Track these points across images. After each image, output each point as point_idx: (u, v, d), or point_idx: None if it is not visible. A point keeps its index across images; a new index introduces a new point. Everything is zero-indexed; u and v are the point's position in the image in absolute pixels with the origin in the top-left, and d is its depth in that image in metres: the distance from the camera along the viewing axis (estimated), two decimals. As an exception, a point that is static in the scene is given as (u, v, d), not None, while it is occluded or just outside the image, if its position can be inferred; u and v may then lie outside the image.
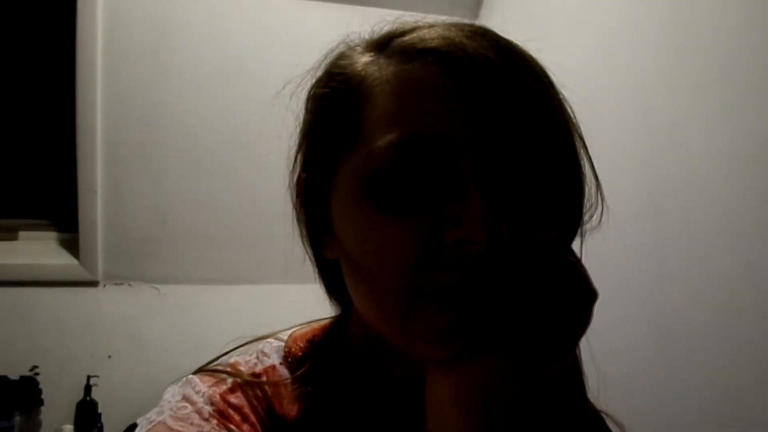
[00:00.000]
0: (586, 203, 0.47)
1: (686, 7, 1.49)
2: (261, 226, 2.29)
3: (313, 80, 0.49)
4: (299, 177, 0.50)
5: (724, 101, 1.37)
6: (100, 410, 2.19)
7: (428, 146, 0.40)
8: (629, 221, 1.63)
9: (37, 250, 2.38)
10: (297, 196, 0.50)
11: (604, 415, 0.55)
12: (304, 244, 0.51)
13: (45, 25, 2.37)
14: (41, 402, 2.17)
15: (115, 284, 2.37)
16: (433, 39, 0.43)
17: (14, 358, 2.17)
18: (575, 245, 0.48)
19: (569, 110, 0.46)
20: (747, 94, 1.31)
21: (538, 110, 0.42)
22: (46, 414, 2.19)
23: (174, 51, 2.33)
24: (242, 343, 0.54)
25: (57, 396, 2.19)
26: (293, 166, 0.50)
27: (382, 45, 0.46)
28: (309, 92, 0.49)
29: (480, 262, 0.39)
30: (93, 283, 2.34)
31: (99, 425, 2.17)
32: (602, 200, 0.48)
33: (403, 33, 0.45)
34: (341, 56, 0.48)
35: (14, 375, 2.14)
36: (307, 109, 0.49)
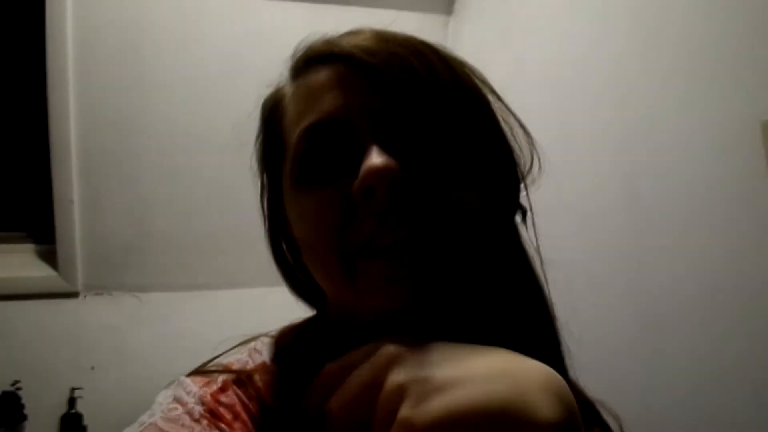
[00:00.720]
0: (519, 152, 0.52)
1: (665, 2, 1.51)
2: (241, 229, 2.28)
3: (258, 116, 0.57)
4: (263, 196, 0.57)
5: (695, 87, 1.39)
6: (85, 422, 2.17)
7: (329, 129, 0.47)
8: (607, 208, 1.65)
9: (15, 262, 2.35)
10: (263, 211, 0.57)
11: (598, 405, 0.55)
12: (271, 254, 0.57)
13: (14, 35, 2.34)
14: (24, 417, 2.14)
15: (96, 294, 2.35)
16: (315, 47, 0.51)
17: (-5, 373, 2.14)
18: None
19: (465, 69, 0.51)
20: (717, 79, 1.33)
21: (412, 70, 0.46)
22: (30, 429, 2.16)
23: (146, 57, 2.31)
24: (236, 343, 0.56)
25: (41, 410, 2.16)
26: (260, 189, 0.57)
27: (290, 69, 0.54)
28: (257, 128, 0.57)
29: (389, 204, 0.43)
30: (73, 294, 2.31)
31: (84, 438, 2.14)
32: (535, 149, 0.53)
33: (298, 53, 0.53)
34: (271, 91, 0.56)
35: (-5, 391, 2.11)
36: (256, 141, 0.57)
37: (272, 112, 0.54)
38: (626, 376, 1.54)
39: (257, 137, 0.57)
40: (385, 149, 0.44)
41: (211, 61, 2.34)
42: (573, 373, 0.52)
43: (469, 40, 2.35)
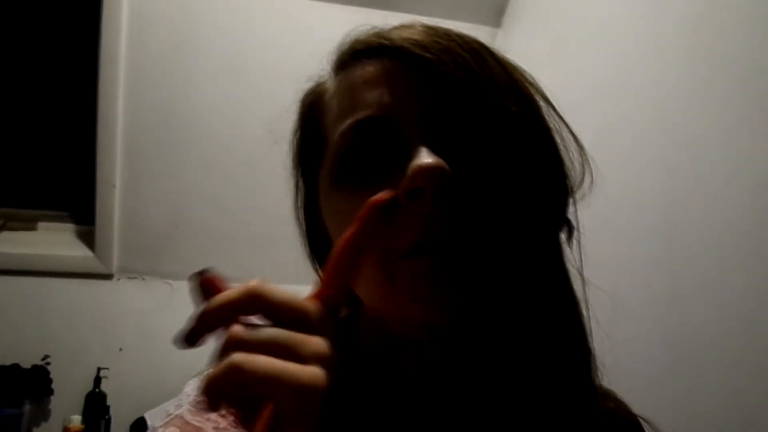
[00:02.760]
0: (571, 167, 0.49)
1: (710, 19, 1.48)
2: (276, 226, 2.28)
3: (295, 113, 0.55)
4: (298, 197, 0.54)
5: (746, 116, 1.36)
6: (108, 402, 2.21)
7: (375, 126, 0.45)
8: (646, 235, 1.62)
9: (54, 241, 2.41)
10: (299, 214, 0.55)
11: (643, 422, 0.54)
12: (308, 258, 0.55)
13: (69, 20, 2.40)
14: (51, 391, 2.19)
15: (129, 278, 2.39)
16: (362, 41, 0.49)
17: (26, 346, 2.20)
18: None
19: (518, 74, 0.48)
20: (764, 107, 1.30)
21: (467, 70, 0.44)
22: (56, 404, 2.21)
23: (197, 48, 2.35)
24: None
25: (67, 386, 2.21)
26: (294, 189, 0.55)
27: (333, 62, 0.51)
28: (293, 124, 0.55)
29: (437, 209, 0.41)
30: (107, 276, 2.37)
31: (107, 417, 2.18)
32: (587, 163, 0.50)
33: (343, 45, 0.50)
34: (310, 84, 0.53)
35: (26, 363, 2.16)
36: (292, 139, 0.55)
37: (312, 107, 0.52)
38: (653, 410, 1.51)
39: (294, 133, 0.54)
40: (433, 149, 0.42)
41: (259, 58, 2.37)
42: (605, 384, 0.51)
43: (515, 55, 2.34)
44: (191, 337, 0.33)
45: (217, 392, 0.30)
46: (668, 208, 1.56)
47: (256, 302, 0.33)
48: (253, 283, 0.34)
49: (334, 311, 0.36)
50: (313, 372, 0.31)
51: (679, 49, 1.58)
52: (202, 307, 0.33)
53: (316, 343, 0.33)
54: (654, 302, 1.58)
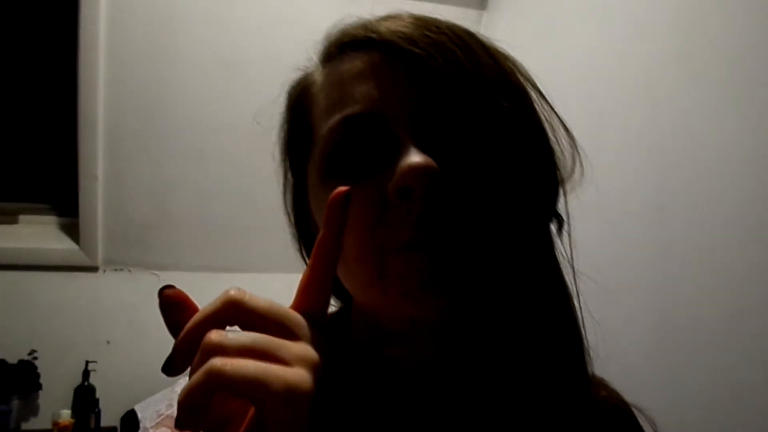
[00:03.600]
0: (561, 157, 0.49)
1: (704, 9, 1.48)
2: (261, 214, 2.28)
3: (283, 102, 0.54)
4: (286, 185, 0.54)
5: (732, 95, 1.36)
6: (97, 395, 2.20)
7: (363, 122, 0.44)
8: (635, 215, 1.63)
9: (38, 234, 2.38)
10: (287, 202, 0.54)
11: (635, 410, 0.54)
12: (296, 248, 0.55)
13: (48, 10, 2.36)
14: (39, 386, 2.18)
15: (115, 270, 2.37)
16: (349, 33, 0.48)
17: (13, 342, 2.18)
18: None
19: (509, 65, 0.48)
20: (754, 87, 1.30)
21: (456, 64, 0.43)
22: (44, 398, 2.20)
23: (177, 38, 2.32)
24: None
25: (55, 381, 2.19)
26: (282, 178, 0.54)
27: (321, 53, 0.50)
28: (281, 113, 0.54)
29: (428, 208, 0.41)
30: (93, 269, 2.35)
31: (96, 410, 2.18)
32: (578, 153, 0.50)
33: (331, 36, 0.50)
34: (297, 76, 0.52)
35: (12, 359, 2.15)
36: (280, 128, 0.54)
37: (300, 99, 0.51)
38: (643, 390, 1.52)
39: (282, 125, 0.54)
40: (423, 147, 0.42)
41: (242, 46, 2.35)
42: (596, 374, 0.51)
43: (501, 37, 2.31)
44: (176, 365, 0.32)
45: (194, 402, 0.29)
46: (657, 189, 1.57)
47: (236, 311, 0.32)
48: (231, 292, 0.33)
49: (316, 319, 0.36)
50: (298, 373, 0.30)
51: (667, 30, 1.58)
52: (182, 330, 0.32)
53: (299, 346, 0.32)
54: (642, 282, 1.59)
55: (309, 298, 0.36)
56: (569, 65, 1.95)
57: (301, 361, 0.31)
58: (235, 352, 0.30)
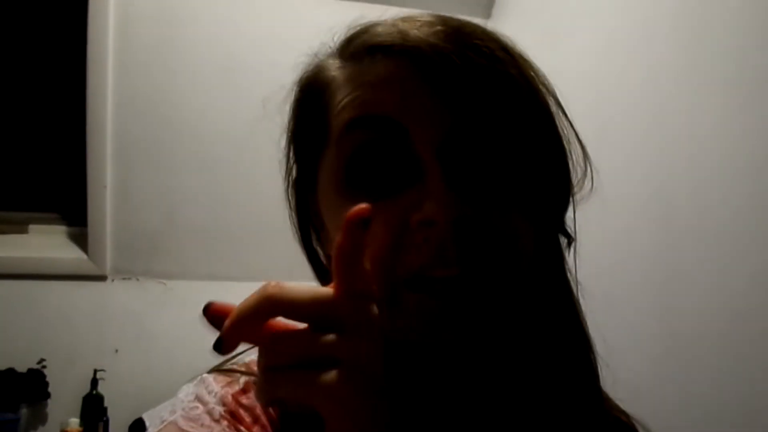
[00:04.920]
0: (574, 171, 0.48)
1: (697, 4, 1.48)
2: (268, 223, 2.28)
3: (293, 92, 0.52)
4: (290, 178, 0.53)
5: (736, 99, 1.36)
6: (106, 404, 2.20)
7: (379, 127, 0.42)
8: (639, 220, 1.62)
9: (47, 243, 2.39)
10: (290, 198, 0.53)
11: (634, 421, 0.54)
12: (299, 243, 0.54)
13: (56, 21, 2.38)
14: (48, 395, 2.18)
15: (123, 279, 2.38)
16: (381, 35, 0.45)
17: (22, 350, 2.19)
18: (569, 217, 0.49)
19: (539, 84, 0.46)
20: (758, 91, 1.30)
21: (491, 88, 0.42)
22: (53, 407, 2.20)
23: (184, 49, 2.33)
24: None
25: (63, 389, 2.20)
26: (285, 170, 0.53)
27: (343, 49, 0.48)
28: (290, 103, 0.52)
29: (449, 245, 0.40)
30: (101, 278, 2.35)
31: (105, 419, 2.18)
32: (590, 167, 0.49)
33: (359, 34, 0.47)
34: (311, 67, 0.51)
35: (21, 368, 2.15)
36: (289, 118, 0.52)
37: (316, 93, 0.48)
38: (649, 398, 1.51)
39: (292, 117, 0.52)
40: (449, 173, 0.41)
41: (247, 56, 2.36)
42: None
43: (506, 45, 2.33)
44: (222, 348, 0.34)
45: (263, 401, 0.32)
46: (661, 193, 1.56)
47: (274, 306, 0.33)
48: (268, 286, 0.33)
49: (363, 294, 0.34)
50: (345, 378, 0.31)
51: (670, 35, 1.58)
52: (226, 323, 0.33)
53: (349, 344, 0.32)
54: (646, 288, 1.58)
55: (348, 278, 0.35)
56: (574, 72, 1.95)
57: (358, 358, 0.31)
58: (286, 359, 0.32)
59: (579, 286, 0.50)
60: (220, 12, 2.36)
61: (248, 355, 0.53)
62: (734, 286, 1.33)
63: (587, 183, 0.49)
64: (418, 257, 0.41)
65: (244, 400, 0.47)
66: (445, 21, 0.45)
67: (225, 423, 0.45)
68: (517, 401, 0.48)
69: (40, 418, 2.20)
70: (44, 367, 2.19)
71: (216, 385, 0.48)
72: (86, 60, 2.23)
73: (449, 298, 0.41)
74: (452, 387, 0.48)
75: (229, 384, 0.49)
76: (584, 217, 0.51)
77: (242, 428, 0.46)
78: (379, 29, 0.46)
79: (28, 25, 2.40)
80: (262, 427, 0.46)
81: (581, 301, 0.50)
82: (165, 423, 0.46)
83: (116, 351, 2.31)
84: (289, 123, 0.52)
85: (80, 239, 2.39)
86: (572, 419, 0.47)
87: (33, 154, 2.47)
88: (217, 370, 0.51)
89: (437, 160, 0.41)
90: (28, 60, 2.42)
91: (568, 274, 0.50)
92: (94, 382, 2.21)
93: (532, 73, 0.46)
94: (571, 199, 0.48)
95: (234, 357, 0.53)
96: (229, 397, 0.47)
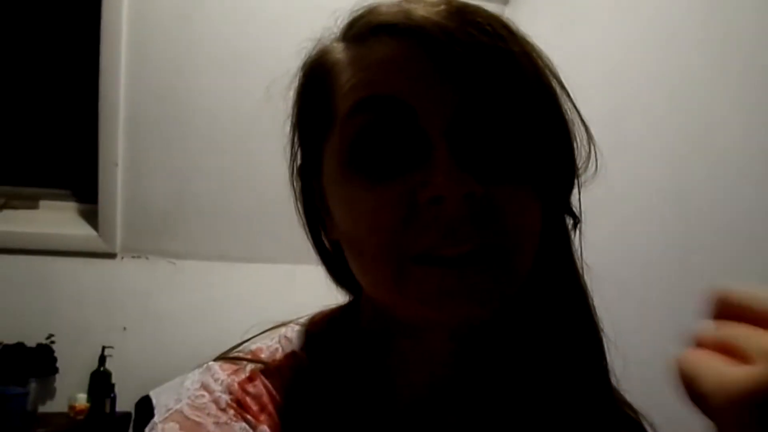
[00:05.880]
0: (578, 153, 0.47)
1: (725, 3, 1.45)
2: (277, 205, 2.26)
3: (297, 76, 0.51)
4: (294, 163, 0.52)
5: (753, 87, 1.34)
6: (113, 381, 2.22)
7: (386, 107, 0.42)
8: (656, 218, 1.61)
9: (57, 219, 2.41)
10: (295, 184, 0.52)
11: (642, 417, 0.54)
12: (304, 228, 0.53)
13: (71, 1, 2.38)
14: (56, 370, 2.21)
15: (133, 257, 2.39)
16: (384, 15, 0.45)
17: (31, 325, 2.21)
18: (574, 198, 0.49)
19: (542, 63, 0.46)
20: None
21: (496, 66, 0.42)
22: (61, 382, 2.23)
23: (198, 29, 2.32)
24: (266, 328, 0.54)
25: (72, 365, 2.22)
26: (290, 154, 0.52)
27: (347, 32, 0.48)
28: (295, 87, 0.51)
29: (459, 216, 0.40)
30: (111, 255, 2.37)
31: (112, 395, 2.20)
32: (594, 149, 0.48)
33: (362, 16, 0.47)
34: (315, 51, 0.50)
35: (31, 342, 2.18)
36: (293, 103, 0.52)
37: (321, 75, 0.48)
38: (659, 388, 1.50)
39: (296, 100, 0.51)
40: (456, 151, 0.41)
41: (258, 38, 2.34)
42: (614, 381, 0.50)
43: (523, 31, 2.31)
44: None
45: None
46: (680, 191, 1.55)
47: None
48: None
49: None
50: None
51: (691, 27, 1.56)
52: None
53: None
54: (661, 280, 1.57)
55: None
56: (591, 59, 1.93)
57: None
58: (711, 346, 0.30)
59: (588, 270, 0.50)
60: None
61: (254, 342, 0.52)
62: (748, 271, 1.31)
63: (591, 165, 0.49)
64: (427, 236, 0.40)
65: (250, 388, 0.47)
66: (448, 1, 0.44)
67: (232, 412, 0.45)
68: (523, 390, 0.47)
69: (49, 392, 2.22)
70: (53, 342, 2.21)
71: (222, 373, 0.48)
72: (100, 37, 2.23)
73: (455, 269, 0.40)
74: (458, 371, 0.48)
75: (235, 372, 0.48)
76: (597, 203, 0.50)
77: (249, 417, 0.45)
78: (383, 9, 0.45)
79: (42, 4, 2.39)
80: (269, 415, 0.46)
81: (590, 284, 0.50)
82: (171, 411, 0.46)
83: (124, 328, 2.32)
84: (293, 109, 0.52)
85: (91, 216, 2.41)
86: (581, 412, 0.46)
87: (45, 130, 2.48)
88: (223, 358, 0.51)
89: (445, 139, 0.41)
90: (41, 37, 2.42)
91: (575, 255, 0.49)
92: (102, 358, 2.23)
93: (534, 53, 0.45)
94: (576, 180, 0.48)
95: (240, 345, 0.52)
96: (236, 386, 0.47)
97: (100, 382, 2.20)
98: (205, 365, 0.50)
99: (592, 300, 0.49)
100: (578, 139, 0.47)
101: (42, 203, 2.44)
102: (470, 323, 0.44)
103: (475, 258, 0.40)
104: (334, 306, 0.55)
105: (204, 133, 2.38)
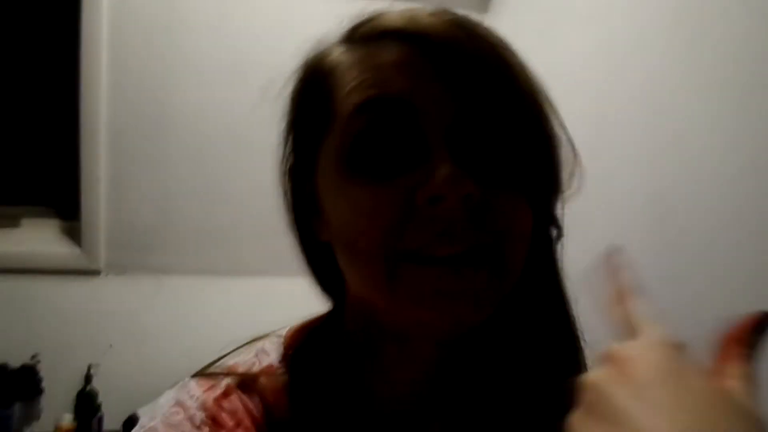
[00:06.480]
0: (563, 168, 0.49)
1: (693, 5, 1.48)
2: (262, 218, 2.26)
3: (294, 78, 0.52)
4: (286, 164, 0.52)
5: (734, 97, 1.35)
6: (100, 400, 2.19)
7: (390, 108, 0.43)
8: (632, 222, 1.62)
9: (39, 237, 2.38)
10: (285, 184, 0.53)
11: None
12: (291, 231, 0.53)
13: (50, 12, 2.36)
14: (41, 391, 2.17)
15: (117, 274, 2.37)
16: (390, 20, 0.46)
17: (15, 346, 2.17)
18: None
19: (531, 75, 0.48)
20: (753, 95, 1.30)
21: (495, 76, 0.44)
22: (46, 403, 2.19)
23: (179, 42, 2.31)
24: (243, 343, 0.54)
25: (57, 385, 2.19)
26: (282, 157, 0.53)
27: (350, 35, 0.49)
28: (291, 89, 0.52)
29: (457, 221, 0.41)
30: (95, 272, 2.34)
31: (99, 415, 2.17)
32: (578, 164, 0.50)
33: (366, 21, 0.48)
34: (315, 53, 0.51)
35: (14, 363, 2.14)
36: (289, 104, 0.52)
37: (321, 76, 0.48)
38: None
39: (293, 101, 0.52)
40: (455, 154, 0.42)
41: (242, 51, 2.34)
42: None
43: (502, 40, 2.33)
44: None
45: None
46: (656, 195, 1.56)
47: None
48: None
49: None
50: None
51: (667, 33, 1.58)
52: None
53: None
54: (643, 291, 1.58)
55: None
56: (570, 68, 1.95)
57: None
58: None
59: (569, 282, 0.51)
60: (217, 4, 2.34)
61: (231, 358, 0.52)
62: (730, 287, 1.32)
63: (576, 181, 0.50)
64: (422, 235, 0.41)
65: (225, 404, 0.47)
66: (449, 11, 0.46)
67: (207, 429, 0.45)
68: (504, 397, 0.48)
69: (34, 413, 2.19)
70: (37, 362, 2.18)
71: (198, 389, 0.48)
72: (80, 52, 2.21)
73: (449, 269, 0.41)
74: (433, 376, 0.48)
75: (210, 388, 0.48)
76: (579, 217, 0.51)
77: None
78: (389, 15, 0.47)
79: (20, 16, 2.37)
80: (246, 429, 0.46)
81: (573, 299, 0.51)
82: (145, 429, 0.45)
83: (110, 346, 2.30)
84: (289, 110, 0.52)
85: (73, 233, 2.38)
86: (560, 419, 0.47)
87: (26, 147, 2.45)
88: (199, 374, 0.51)
89: (445, 141, 0.42)
90: (20, 51, 2.40)
91: (558, 264, 0.51)
92: (88, 377, 2.20)
93: (527, 69, 0.47)
94: (561, 191, 0.49)
95: (218, 360, 0.52)
96: (210, 402, 0.47)
97: (86, 402, 2.17)
98: (181, 382, 0.50)
99: (573, 308, 0.50)
100: (563, 154, 0.48)
101: (24, 221, 2.41)
102: (462, 328, 0.44)
103: (469, 258, 0.41)
104: (314, 317, 0.55)
105: (188, 147, 2.37)
